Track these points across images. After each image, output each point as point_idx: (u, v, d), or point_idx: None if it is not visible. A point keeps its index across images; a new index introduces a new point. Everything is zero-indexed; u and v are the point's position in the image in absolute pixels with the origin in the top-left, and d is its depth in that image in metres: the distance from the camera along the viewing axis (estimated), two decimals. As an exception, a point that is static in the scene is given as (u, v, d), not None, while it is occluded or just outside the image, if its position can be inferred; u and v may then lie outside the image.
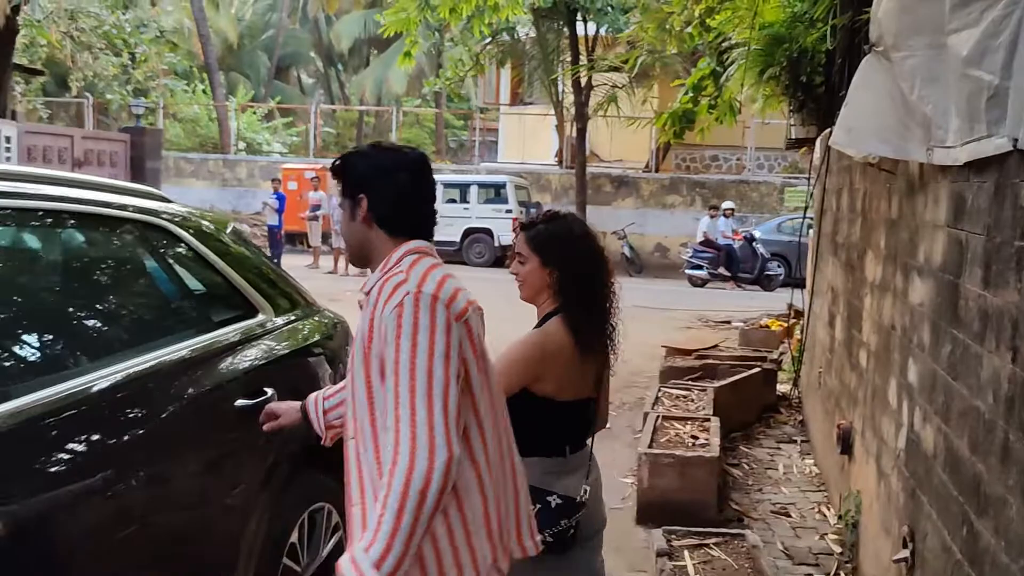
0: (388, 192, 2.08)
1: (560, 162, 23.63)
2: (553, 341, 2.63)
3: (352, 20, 35.75)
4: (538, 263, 2.70)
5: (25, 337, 2.51)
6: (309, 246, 20.18)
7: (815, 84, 7.93)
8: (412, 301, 1.89)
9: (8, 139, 13.76)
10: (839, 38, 6.50)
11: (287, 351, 3.36)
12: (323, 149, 29.27)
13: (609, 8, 18.46)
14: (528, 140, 25.44)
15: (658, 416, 6.16)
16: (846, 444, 4.87)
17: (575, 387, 2.68)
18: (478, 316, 2.04)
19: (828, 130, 6.14)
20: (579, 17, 20.24)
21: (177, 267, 3.18)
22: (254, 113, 30.34)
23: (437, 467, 1.81)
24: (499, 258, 20.44)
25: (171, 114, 28.71)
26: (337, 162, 2.17)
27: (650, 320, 13.23)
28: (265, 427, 2.60)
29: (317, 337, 3.63)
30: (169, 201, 3.40)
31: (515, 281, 2.76)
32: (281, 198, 19.03)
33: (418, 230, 2.11)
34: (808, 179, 8.34)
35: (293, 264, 18.63)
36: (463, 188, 21.29)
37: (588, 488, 2.71)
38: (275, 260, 18.05)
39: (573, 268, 2.69)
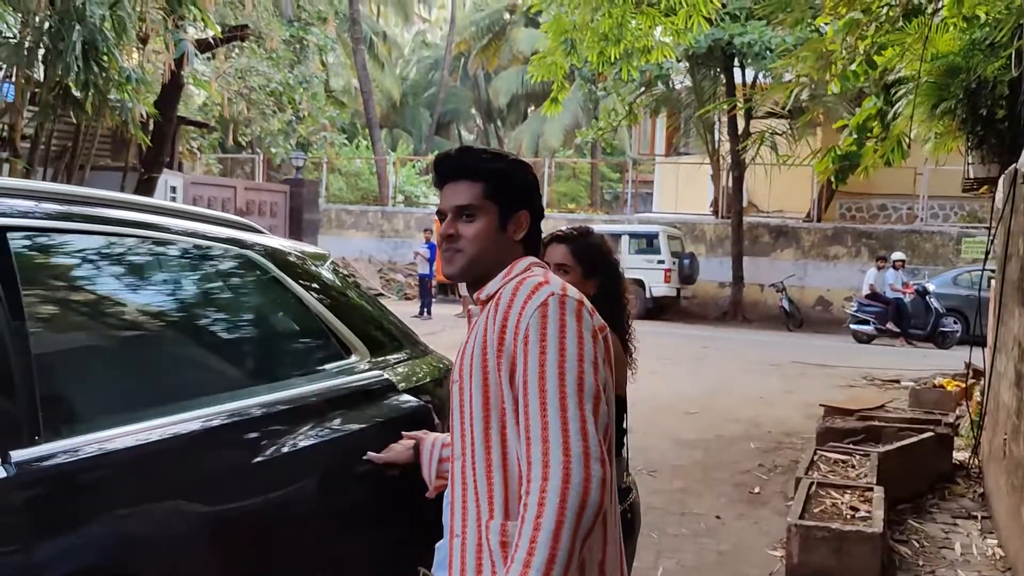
0: (540, 208, 2.01)
1: (716, 212, 22.91)
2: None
3: (510, 76, 36.34)
4: (580, 274, 2.81)
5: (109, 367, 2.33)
6: (460, 295, 20.22)
7: (996, 117, 7.19)
8: (558, 302, 1.75)
9: (174, 189, 14.36)
10: (1025, 64, 5.79)
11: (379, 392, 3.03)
12: (478, 201, 29.44)
13: (768, 52, 17.78)
14: (683, 190, 24.85)
15: (812, 483, 5.49)
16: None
17: (621, 387, 2.82)
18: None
19: (1013, 167, 5.45)
20: (736, 63, 19.65)
21: (262, 300, 2.94)
22: (413, 166, 31.03)
23: (594, 481, 1.64)
24: (651, 309, 19.83)
25: (335, 168, 29.71)
26: (486, 156, 1.98)
27: (809, 377, 12.37)
28: (372, 456, 2.56)
29: (425, 381, 3.29)
30: (261, 232, 3.20)
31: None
32: (432, 248, 19.15)
33: (538, 245, 2.03)
34: (989, 226, 7.50)
35: (443, 313, 18.66)
36: (615, 238, 20.86)
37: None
38: (425, 309, 18.23)
39: (613, 280, 2.90)
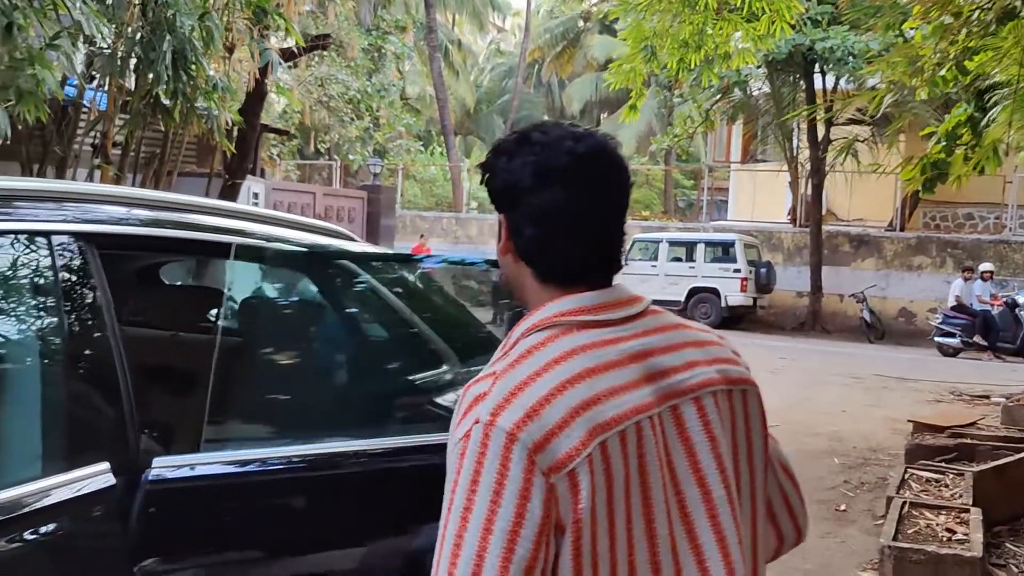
0: (534, 212, 1.36)
1: (794, 220, 22.47)
2: None
3: (583, 83, 36.30)
4: None
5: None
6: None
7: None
8: (480, 437, 1.22)
9: (256, 195, 14.62)
10: None
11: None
12: (551, 208, 29.43)
13: (850, 58, 17.38)
14: (759, 197, 24.45)
15: (905, 502, 5.30)
16: None
17: None
18: (624, 446, 1.26)
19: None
20: (816, 69, 19.26)
21: (355, 308, 2.93)
22: (487, 173, 31.15)
23: None
24: (726, 319, 19.51)
25: (410, 174, 30.00)
26: (488, 154, 1.45)
27: (892, 390, 12.02)
28: None
29: None
30: (354, 240, 3.20)
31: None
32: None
33: (579, 274, 1.37)
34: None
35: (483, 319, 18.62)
36: (689, 246, 20.62)
37: None
38: (498, 316, 18.20)
39: None
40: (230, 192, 11.56)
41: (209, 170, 12.05)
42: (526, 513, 1.19)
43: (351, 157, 24.46)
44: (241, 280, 2.77)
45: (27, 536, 1.68)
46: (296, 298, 2.69)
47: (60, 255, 1.92)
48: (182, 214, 2.43)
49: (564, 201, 1.34)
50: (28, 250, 1.96)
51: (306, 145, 26.67)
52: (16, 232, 1.94)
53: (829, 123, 19.26)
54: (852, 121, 18.41)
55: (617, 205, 1.39)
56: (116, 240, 2.14)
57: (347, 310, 2.84)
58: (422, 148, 31.47)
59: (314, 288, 2.77)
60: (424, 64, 32.61)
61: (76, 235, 1.97)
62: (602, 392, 1.25)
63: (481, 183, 1.47)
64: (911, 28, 8.84)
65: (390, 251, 2.85)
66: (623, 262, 1.41)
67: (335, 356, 2.55)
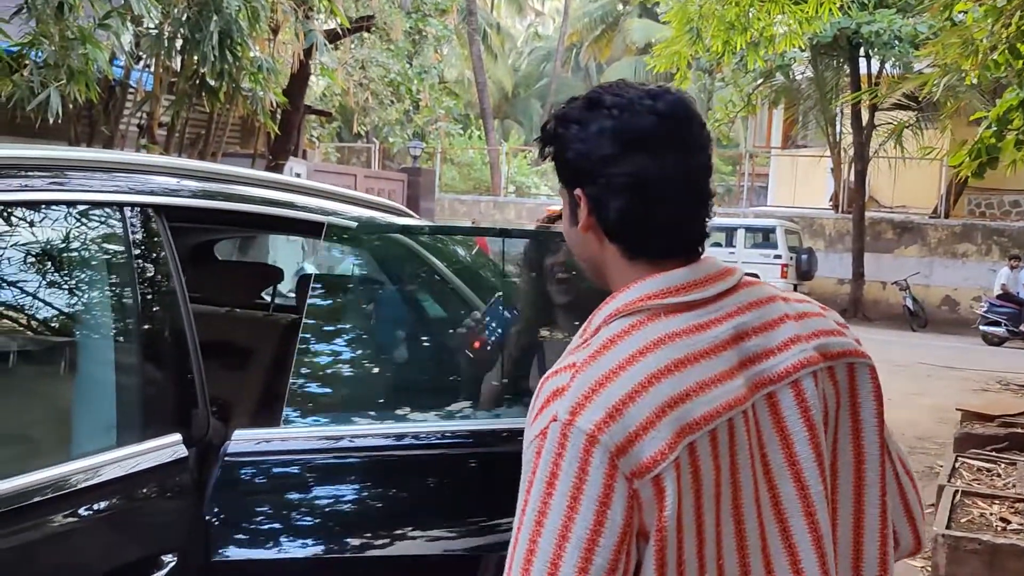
0: (619, 183, 1.24)
1: (836, 206, 22.19)
2: None
3: (622, 67, 35.98)
4: None
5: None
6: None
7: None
8: (557, 437, 1.14)
9: (299, 176, 14.70)
10: None
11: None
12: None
13: (896, 41, 17.07)
14: (800, 184, 24.17)
15: (957, 491, 5.21)
16: None
17: None
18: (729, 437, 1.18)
19: None
20: (861, 53, 18.94)
21: (412, 287, 2.92)
22: (524, 157, 31.07)
23: None
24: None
25: (448, 158, 30.00)
26: (548, 124, 1.32)
27: (937, 379, 11.86)
28: None
29: None
30: (414, 217, 3.19)
31: None
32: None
33: (672, 247, 1.26)
34: None
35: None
36: (729, 232, 20.42)
37: None
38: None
39: None
40: (273, 173, 11.64)
41: (253, 151, 12.14)
42: (606, 520, 1.11)
43: (390, 140, 24.49)
44: (292, 256, 2.74)
45: (95, 507, 1.68)
46: (366, 274, 2.68)
47: (133, 227, 1.92)
48: (247, 187, 2.42)
49: (653, 167, 1.22)
50: (100, 221, 1.96)
51: (345, 128, 26.74)
52: (89, 203, 1.94)
53: (874, 108, 18.97)
54: (897, 106, 18.13)
55: (705, 165, 1.28)
56: (186, 213, 2.14)
57: (438, 289, 2.82)
58: (461, 131, 31.43)
59: (383, 265, 2.75)
60: (463, 47, 32.53)
61: (149, 207, 1.96)
62: (691, 387, 1.17)
63: (542, 158, 1.35)
64: (961, 12, 8.66)
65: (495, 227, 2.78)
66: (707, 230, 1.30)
67: (421, 336, 2.54)
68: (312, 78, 16.57)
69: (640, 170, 1.22)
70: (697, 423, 1.15)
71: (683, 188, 1.25)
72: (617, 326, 1.21)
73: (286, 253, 10.13)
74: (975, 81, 9.40)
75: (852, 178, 20.47)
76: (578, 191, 1.27)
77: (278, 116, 11.38)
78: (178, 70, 9.40)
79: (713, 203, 1.31)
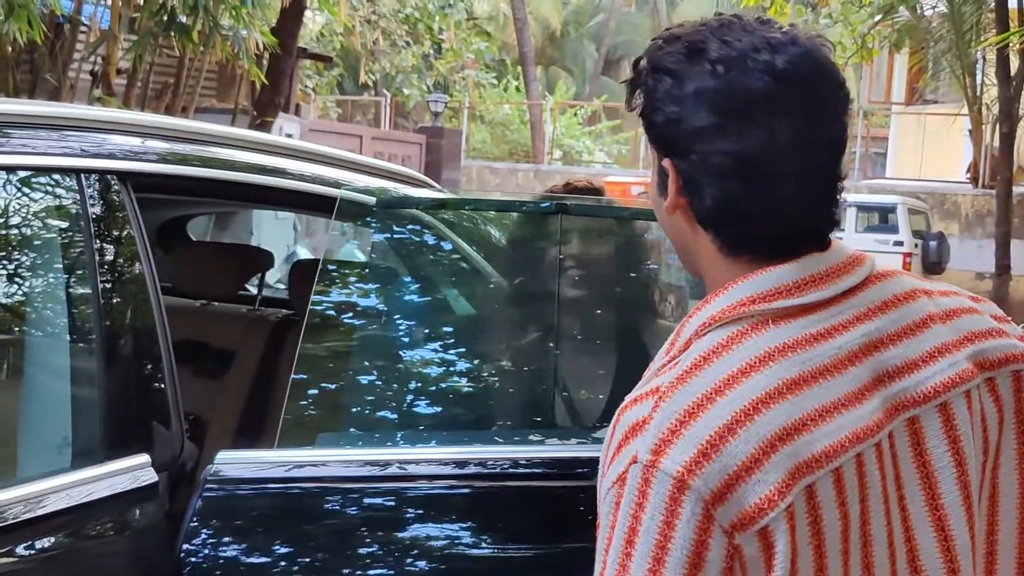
0: (717, 163, 1.20)
1: (975, 179, 21.96)
2: None
3: (700, 0, 35.84)
4: None
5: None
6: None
7: None
8: (638, 483, 1.11)
9: (290, 136, 14.80)
10: None
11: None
12: (657, 160, 29.22)
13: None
14: (929, 150, 23.93)
15: None
16: None
17: None
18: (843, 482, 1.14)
19: None
20: (1012, -19, 18.72)
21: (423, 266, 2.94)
22: (575, 115, 30.98)
23: None
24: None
25: (477, 115, 29.99)
26: (640, 64, 1.29)
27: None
28: None
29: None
30: (435, 187, 3.22)
31: None
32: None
33: (790, 240, 1.22)
34: None
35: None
36: (836, 211, 20.33)
37: None
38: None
39: None
40: (259, 132, 11.75)
41: (234, 105, 12.23)
42: (702, 563, 1.08)
43: (405, 92, 24.55)
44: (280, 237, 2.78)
45: (38, 546, 1.72)
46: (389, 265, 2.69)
47: (90, 199, 1.94)
48: (227, 150, 2.43)
49: (765, 144, 1.17)
50: (48, 192, 2.00)
51: (349, 77, 26.83)
52: (34, 169, 1.97)
53: (1025, 54, 18.72)
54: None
55: (838, 139, 1.23)
56: (152, 181, 2.18)
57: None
58: (494, 82, 31.40)
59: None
60: (498, -26, 32.59)
61: (110, 173, 1.99)
62: (808, 415, 1.13)
63: (629, 109, 1.30)
64: None
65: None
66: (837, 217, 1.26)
67: (457, 339, 2.54)
68: (308, 13, 16.69)
69: (746, 148, 1.18)
70: (817, 460, 1.12)
71: (805, 170, 1.20)
72: (712, 339, 1.18)
73: (273, 233, 10.22)
74: None
75: (997, 143, 20.23)
76: (667, 162, 1.24)
77: (265, 62, 11.46)
78: (142, 3, 9.50)
79: (843, 186, 1.27)
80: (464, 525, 1.93)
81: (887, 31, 21.27)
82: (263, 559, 1.84)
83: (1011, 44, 17.77)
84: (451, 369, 2.41)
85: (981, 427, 1.24)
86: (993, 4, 19.42)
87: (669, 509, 1.08)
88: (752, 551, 1.08)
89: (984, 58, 20.34)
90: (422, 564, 1.86)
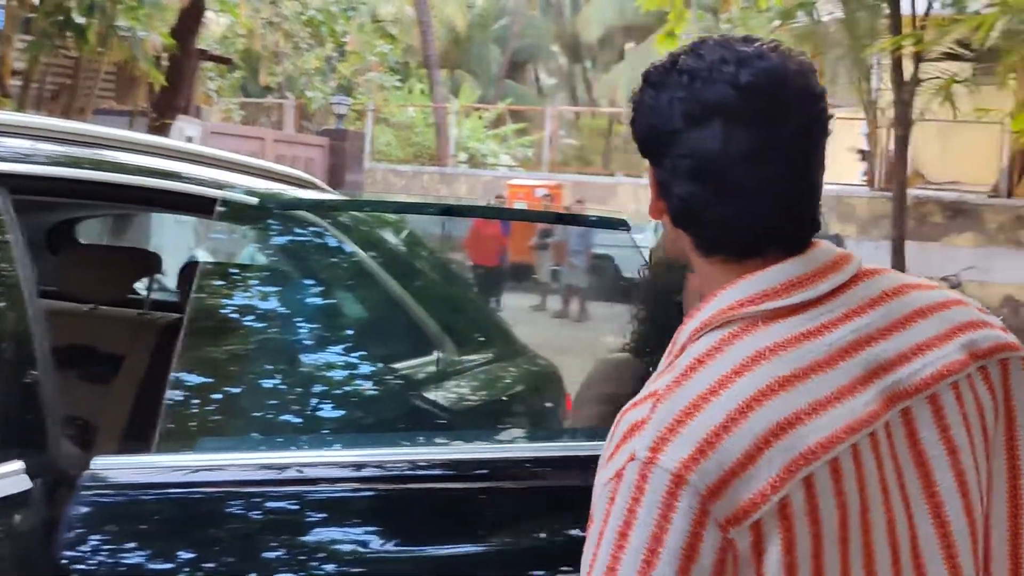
0: (685, 165, 1.28)
1: (870, 182, 22.50)
2: None
3: (604, 4, 36.21)
4: None
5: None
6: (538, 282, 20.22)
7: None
8: (636, 480, 1.16)
9: (190, 139, 14.57)
10: None
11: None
12: (562, 164, 29.42)
13: (948, -25, 17.34)
14: (827, 153, 24.44)
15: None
16: None
17: None
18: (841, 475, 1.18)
19: None
20: (904, -11, 19.21)
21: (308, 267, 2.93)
22: (479, 118, 31.04)
23: None
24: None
25: (382, 118, 29.86)
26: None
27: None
28: None
29: (518, 388, 3.32)
30: (327, 191, 3.22)
31: None
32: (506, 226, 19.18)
33: (755, 243, 1.29)
34: None
35: (515, 304, 18.63)
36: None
37: None
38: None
39: None
40: (158, 134, 11.56)
41: (132, 107, 12.03)
42: (693, 567, 1.12)
43: (308, 94, 24.35)
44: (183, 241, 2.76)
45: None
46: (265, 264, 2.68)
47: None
48: (122, 153, 2.42)
49: (722, 151, 1.24)
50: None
51: (252, 79, 26.55)
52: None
53: (919, 58, 19.18)
54: (948, 56, 18.34)
55: (803, 150, 1.30)
56: (40, 184, 2.14)
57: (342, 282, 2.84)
58: (399, 84, 31.33)
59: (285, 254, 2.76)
60: (402, -23, 32.52)
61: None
62: (802, 409, 1.17)
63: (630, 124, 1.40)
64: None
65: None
66: (818, 219, 1.33)
67: (339, 343, 2.54)
68: (208, 15, 16.48)
69: (702, 151, 1.25)
70: (812, 452, 1.15)
71: (766, 180, 1.26)
72: (705, 343, 1.23)
73: (176, 237, 10.07)
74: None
75: (891, 147, 20.72)
76: (648, 168, 1.33)
77: (164, 63, 11.30)
78: (36, 3, 9.30)
79: (819, 194, 1.34)
80: (319, 535, 1.91)
81: (786, 36, 21.66)
82: (143, 563, 1.81)
83: (904, 49, 18.24)
84: (331, 371, 2.41)
85: (978, 415, 1.29)
86: (888, 10, 19.91)
87: (665, 503, 1.13)
88: (744, 545, 1.13)
89: (879, 64, 20.84)
90: (284, 571, 1.85)
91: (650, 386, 1.24)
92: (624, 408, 1.24)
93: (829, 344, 1.22)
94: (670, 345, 1.30)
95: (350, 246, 2.85)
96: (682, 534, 1.12)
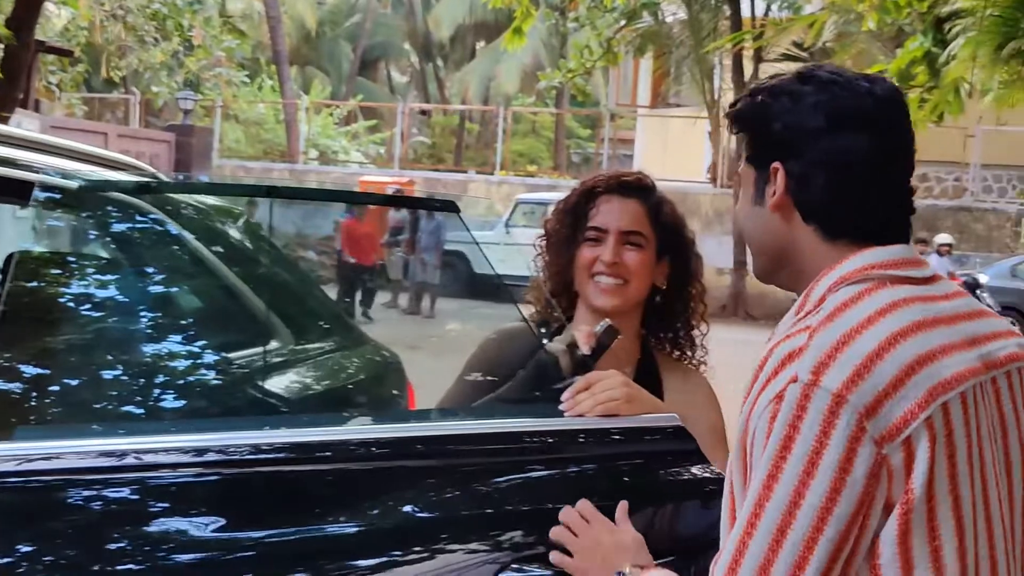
0: (828, 160, 1.48)
1: (714, 179, 23.07)
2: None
3: (454, 2, 36.25)
4: (654, 251, 2.29)
5: None
6: (389, 279, 20.12)
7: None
8: (797, 398, 1.34)
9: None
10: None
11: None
12: (414, 161, 29.39)
13: (784, -22, 17.90)
14: (672, 151, 24.94)
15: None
16: None
17: None
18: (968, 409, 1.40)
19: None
20: (744, -9, 19.75)
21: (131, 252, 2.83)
22: (330, 115, 30.77)
23: None
24: (631, 301, 19.89)
25: (231, 114, 29.34)
26: (738, 103, 1.58)
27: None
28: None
29: (359, 376, 3.29)
30: (157, 176, 3.11)
31: (607, 279, 2.24)
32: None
33: (880, 229, 1.50)
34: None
35: (373, 301, 18.47)
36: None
37: None
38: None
39: (687, 264, 2.38)
40: (-8, 128, 11.11)
41: (-37, 99, 11.54)
42: (844, 488, 1.30)
43: (154, 89, 23.76)
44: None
45: None
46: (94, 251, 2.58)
47: None
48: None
49: (868, 147, 1.47)
50: None
51: (95, 73, 25.74)
52: None
53: (758, 58, 19.76)
54: (786, 57, 19.00)
55: (912, 158, 1.55)
56: None
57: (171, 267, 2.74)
58: (247, 80, 30.80)
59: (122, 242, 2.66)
60: (250, -28, 31.99)
61: None
62: (936, 348, 1.37)
63: (734, 132, 1.63)
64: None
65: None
66: None
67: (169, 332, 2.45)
68: (49, 6, 15.90)
69: (855, 148, 1.47)
70: (948, 383, 1.36)
71: (895, 172, 1.51)
72: (845, 293, 1.42)
73: (13, 230, 9.68)
74: (873, 27, 9.93)
75: (733, 145, 21.27)
76: (776, 165, 1.50)
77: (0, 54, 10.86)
78: None
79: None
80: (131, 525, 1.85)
81: (631, 35, 22.05)
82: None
83: (744, 50, 18.76)
84: (152, 357, 2.33)
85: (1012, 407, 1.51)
86: (728, 11, 20.44)
87: (826, 420, 1.31)
88: (897, 460, 1.32)
89: (721, 64, 21.37)
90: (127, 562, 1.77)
91: (795, 325, 1.43)
92: (774, 342, 1.42)
93: (940, 310, 1.43)
94: (799, 301, 1.49)
95: (181, 232, 2.76)
96: (839, 448, 1.30)
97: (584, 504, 1.77)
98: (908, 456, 1.32)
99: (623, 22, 21.07)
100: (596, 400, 1.94)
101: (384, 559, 1.85)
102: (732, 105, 1.60)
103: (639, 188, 2.36)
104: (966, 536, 1.35)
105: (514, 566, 1.83)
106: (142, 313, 2.48)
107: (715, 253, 21.65)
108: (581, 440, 1.99)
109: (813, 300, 1.46)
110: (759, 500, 1.34)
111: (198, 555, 1.75)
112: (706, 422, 2.22)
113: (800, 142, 1.49)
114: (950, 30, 8.48)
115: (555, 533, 1.76)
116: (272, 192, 2.37)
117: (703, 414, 2.26)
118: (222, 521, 1.80)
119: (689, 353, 2.44)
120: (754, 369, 1.43)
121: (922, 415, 1.32)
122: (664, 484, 2.05)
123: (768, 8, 20.34)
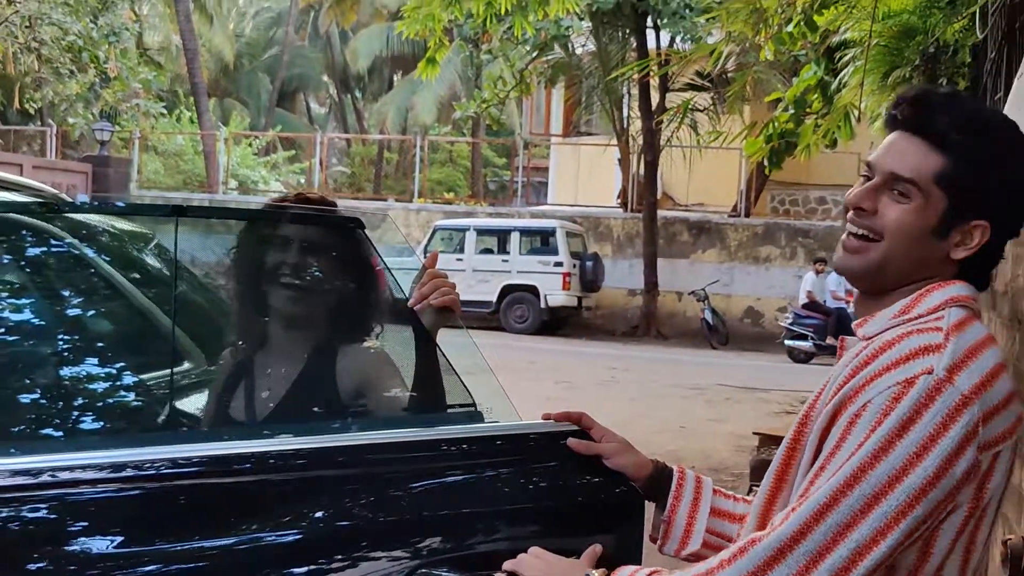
0: (1011, 228, 1.64)
1: (624, 204, 23.27)
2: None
3: (371, 35, 36.20)
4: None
5: None
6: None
7: (958, 88, 7.49)
8: (929, 390, 1.46)
9: (-62, 167, 13.70)
10: (991, 26, 6.03)
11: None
12: (334, 190, 29.21)
13: (687, 11, 18.16)
14: (585, 178, 25.14)
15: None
16: (1016, 567, 4.28)
17: None
18: None
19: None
20: (649, 23, 20.01)
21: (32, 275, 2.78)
22: (249, 145, 30.52)
23: None
24: (546, 322, 19.94)
25: (149, 145, 28.94)
26: (970, 119, 1.59)
27: (737, 402, 12.65)
28: (575, 444, 2.02)
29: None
30: (69, 202, 3.06)
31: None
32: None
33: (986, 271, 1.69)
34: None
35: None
36: (502, 236, 20.91)
37: None
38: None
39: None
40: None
41: None
42: (944, 478, 1.44)
43: (70, 121, 23.27)
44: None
45: None
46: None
47: None
48: None
49: None
50: None
51: (9, 105, 25.20)
52: None
53: (664, 88, 20.02)
54: (691, 87, 19.22)
55: None
56: None
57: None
58: (165, 111, 30.42)
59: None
60: (168, 5, 31.60)
61: None
62: (1014, 388, 1.55)
63: (966, 171, 1.56)
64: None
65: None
66: None
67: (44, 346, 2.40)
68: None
69: None
70: (1020, 419, 1.55)
71: None
72: (959, 313, 1.56)
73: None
74: (771, 57, 10.12)
75: (642, 171, 21.49)
76: (981, 224, 1.57)
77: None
78: None
79: None
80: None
81: (543, 67, 22.20)
82: None
83: (651, 81, 19.00)
84: (59, 372, 2.30)
85: None
86: (635, 43, 20.69)
87: (949, 415, 1.44)
88: (985, 466, 1.49)
89: (629, 94, 21.61)
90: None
91: (914, 324, 1.55)
92: (902, 333, 1.54)
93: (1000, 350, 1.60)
94: (908, 303, 1.59)
95: (87, 254, 2.71)
96: (953, 442, 1.44)
97: (535, 549, 1.78)
98: (991, 466, 1.50)
99: (535, 54, 21.22)
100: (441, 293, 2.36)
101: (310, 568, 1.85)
102: (951, 120, 1.56)
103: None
104: (978, 550, 1.55)
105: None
106: (54, 335, 2.44)
107: (627, 275, 21.87)
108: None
109: (926, 307, 1.57)
110: (863, 466, 1.45)
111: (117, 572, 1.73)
112: None
113: (1018, 216, 1.62)
114: (840, 59, 8.65)
115: (509, 565, 1.75)
116: (180, 211, 2.35)
117: None
118: (138, 536, 1.77)
119: None
120: (866, 351, 1.54)
121: (1012, 437, 1.52)
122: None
123: (672, 40, 20.62)
